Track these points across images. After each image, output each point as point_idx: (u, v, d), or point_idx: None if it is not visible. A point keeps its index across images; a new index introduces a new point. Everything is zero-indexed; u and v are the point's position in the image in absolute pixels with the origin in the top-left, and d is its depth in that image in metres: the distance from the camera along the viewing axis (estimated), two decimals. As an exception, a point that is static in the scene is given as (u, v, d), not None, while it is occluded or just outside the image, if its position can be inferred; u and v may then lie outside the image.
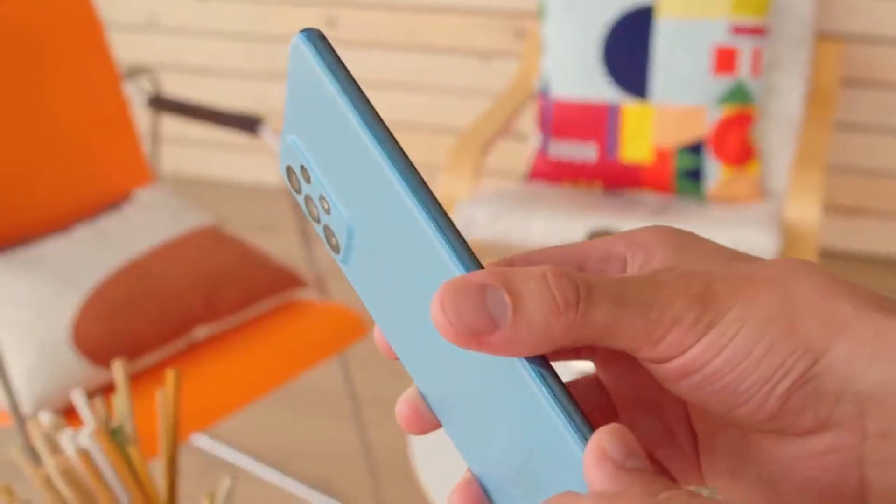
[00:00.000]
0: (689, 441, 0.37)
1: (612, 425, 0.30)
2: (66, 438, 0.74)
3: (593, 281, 0.31)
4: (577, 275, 0.31)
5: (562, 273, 0.31)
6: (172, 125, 3.49)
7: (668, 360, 0.32)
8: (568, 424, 0.31)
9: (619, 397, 0.38)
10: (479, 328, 0.30)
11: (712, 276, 0.33)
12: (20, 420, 1.52)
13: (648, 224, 0.36)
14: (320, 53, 0.33)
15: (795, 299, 0.32)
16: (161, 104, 2.11)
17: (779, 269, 0.33)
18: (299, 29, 0.35)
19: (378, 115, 0.33)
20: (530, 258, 0.36)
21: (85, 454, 0.72)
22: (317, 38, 0.33)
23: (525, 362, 0.31)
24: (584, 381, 0.38)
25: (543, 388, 0.31)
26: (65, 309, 1.63)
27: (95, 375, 1.57)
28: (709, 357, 0.32)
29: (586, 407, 0.37)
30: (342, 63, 0.33)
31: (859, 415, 0.32)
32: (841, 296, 0.32)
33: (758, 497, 0.35)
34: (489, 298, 0.30)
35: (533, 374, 0.31)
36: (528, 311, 0.31)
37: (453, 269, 0.32)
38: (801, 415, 0.32)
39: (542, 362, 0.31)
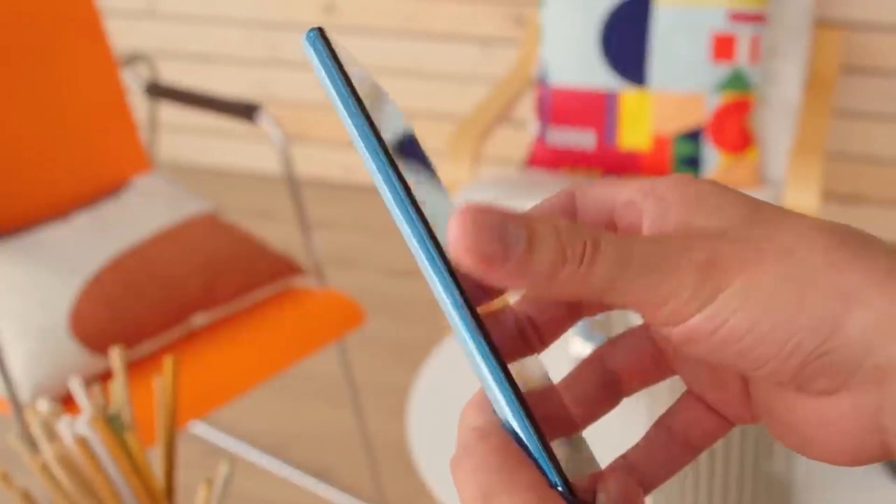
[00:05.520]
0: (738, 384, 0.37)
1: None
2: (64, 426, 0.74)
3: (601, 238, 0.32)
4: (587, 230, 0.32)
5: (574, 226, 0.32)
6: (170, 112, 3.48)
7: (670, 325, 0.33)
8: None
9: (667, 345, 0.39)
10: (492, 254, 0.31)
11: (720, 243, 0.33)
12: (18, 407, 1.52)
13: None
14: (319, 55, 0.36)
15: (805, 272, 0.32)
16: (158, 91, 2.11)
17: (792, 235, 0.33)
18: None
19: (366, 115, 0.35)
20: (586, 195, 0.37)
21: (82, 441, 0.72)
22: (317, 40, 0.36)
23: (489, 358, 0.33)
24: (635, 331, 0.39)
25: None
26: (63, 296, 1.63)
27: (94, 363, 1.57)
28: (708, 330, 0.32)
29: (636, 355, 0.39)
30: (338, 65, 0.36)
31: (877, 383, 0.32)
32: (855, 266, 0.32)
33: (792, 443, 0.36)
34: (508, 230, 0.31)
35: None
36: (540, 253, 0.31)
37: (436, 278, 0.34)
38: (817, 380, 0.33)
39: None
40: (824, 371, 0.32)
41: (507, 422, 0.33)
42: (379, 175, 0.34)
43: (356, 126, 0.35)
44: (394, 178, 0.34)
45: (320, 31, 0.36)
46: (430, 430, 1.53)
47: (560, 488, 0.32)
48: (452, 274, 0.34)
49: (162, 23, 3.37)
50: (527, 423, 0.32)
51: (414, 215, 0.34)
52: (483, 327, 0.34)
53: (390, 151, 0.35)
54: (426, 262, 0.34)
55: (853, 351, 0.32)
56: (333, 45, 0.36)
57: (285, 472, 2.13)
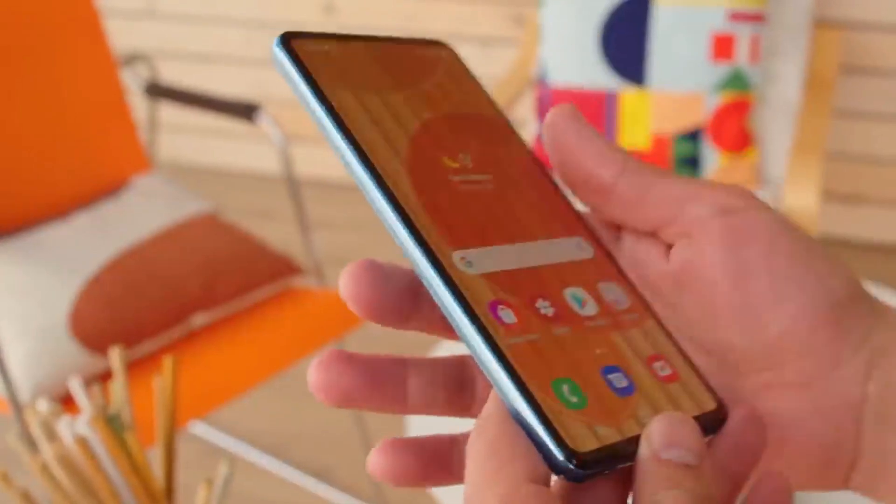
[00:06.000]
0: None
1: None
2: (64, 426, 0.74)
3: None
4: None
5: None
6: (170, 112, 3.48)
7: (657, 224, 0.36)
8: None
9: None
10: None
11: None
12: (18, 407, 1.52)
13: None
14: (289, 58, 0.36)
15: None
16: (158, 91, 2.11)
17: None
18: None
19: (335, 115, 0.35)
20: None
21: (82, 441, 0.72)
22: (285, 46, 0.36)
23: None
24: None
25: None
26: (63, 296, 1.63)
27: (93, 363, 1.57)
28: (710, 261, 0.34)
29: None
30: (307, 71, 0.35)
31: (866, 375, 0.32)
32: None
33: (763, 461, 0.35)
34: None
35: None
36: None
37: (415, 250, 0.33)
38: (830, 346, 0.33)
39: None
40: (841, 333, 0.33)
41: (510, 404, 0.31)
42: (368, 187, 0.34)
43: (327, 128, 0.35)
44: (375, 182, 0.34)
45: (285, 39, 0.36)
46: (430, 430, 1.53)
47: (571, 465, 0.30)
48: (432, 253, 0.33)
49: (161, 23, 3.37)
50: (525, 402, 0.31)
51: (387, 199, 0.34)
52: (469, 304, 0.32)
53: (365, 152, 0.34)
54: (392, 219, 0.34)
55: (863, 322, 0.33)
56: (299, 54, 0.36)
57: (285, 472, 2.13)
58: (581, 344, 0.33)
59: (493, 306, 0.33)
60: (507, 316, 0.33)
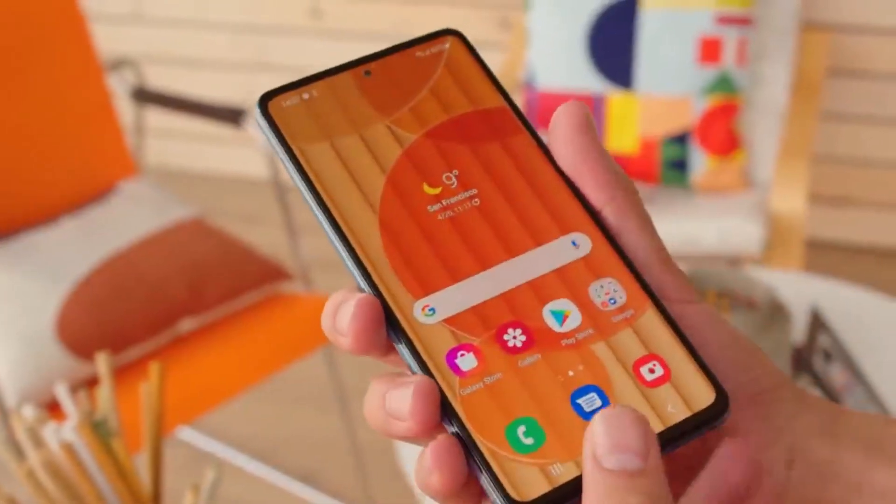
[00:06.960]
0: None
1: None
2: (50, 432, 0.73)
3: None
4: None
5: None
6: (157, 117, 3.48)
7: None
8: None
9: None
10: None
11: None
12: (3, 413, 1.51)
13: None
14: (266, 122, 0.36)
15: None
16: (144, 96, 2.10)
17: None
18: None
19: (304, 175, 0.35)
20: None
21: (69, 448, 0.71)
22: (262, 109, 0.36)
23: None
24: None
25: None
26: (49, 301, 1.62)
27: (80, 368, 1.56)
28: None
29: None
30: (279, 132, 0.36)
31: (789, 460, 0.33)
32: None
33: None
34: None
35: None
36: None
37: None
38: (754, 431, 0.34)
39: None
40: (763, 416, 0.34)
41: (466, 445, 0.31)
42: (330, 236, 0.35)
43: (301, 185, 0.35)
44: (338, 238, 0.34)
45: (262, 102, 0.36)
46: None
47: None
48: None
49: (148, 27, 3.36)
50: (473, 456, 0.31)
51: (359, 270, 0.34)
52: (423, 360, 0.32)
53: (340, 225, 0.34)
54: (357, 277, 0.34)
55: (784, 413, 0.34)
56: (273, 115, 0.36)
57: (273, 476, 2.13)
58: (552, 369, 0.32)
59: (452, 355, 0.32)
60: (467, 362, 0.32)
